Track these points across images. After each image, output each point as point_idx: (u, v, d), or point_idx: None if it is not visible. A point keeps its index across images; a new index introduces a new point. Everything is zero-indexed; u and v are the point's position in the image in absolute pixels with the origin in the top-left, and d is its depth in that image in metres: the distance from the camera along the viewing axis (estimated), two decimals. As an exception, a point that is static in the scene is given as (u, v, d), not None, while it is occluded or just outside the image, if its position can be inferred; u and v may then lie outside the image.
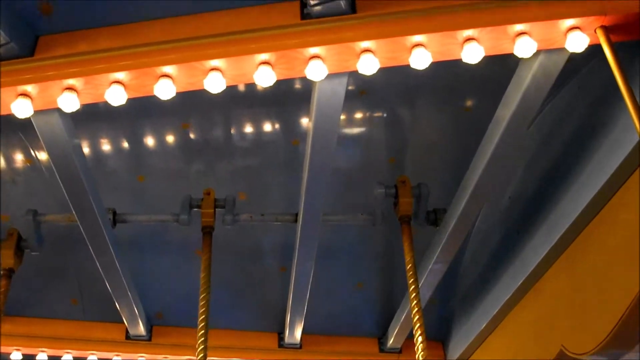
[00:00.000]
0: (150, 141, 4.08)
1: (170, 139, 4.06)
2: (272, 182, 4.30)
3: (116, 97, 2.71)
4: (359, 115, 3.94)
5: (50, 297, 4.81)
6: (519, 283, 4.03)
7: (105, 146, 4.13)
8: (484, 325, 4.51)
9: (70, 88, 2.72)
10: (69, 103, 2.72)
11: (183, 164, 4.20)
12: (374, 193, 3.97)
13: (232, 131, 4.07)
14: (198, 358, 3.68)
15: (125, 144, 4.14)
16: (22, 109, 2.73)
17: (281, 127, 4.03)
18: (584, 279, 3.52)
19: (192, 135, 4.06)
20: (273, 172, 4.25)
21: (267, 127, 4.03)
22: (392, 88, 3.74)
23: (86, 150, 4.10)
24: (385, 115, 3.92)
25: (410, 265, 3.90)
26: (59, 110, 2.88)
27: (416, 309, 3.80)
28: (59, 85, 2.72)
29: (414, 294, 3.79)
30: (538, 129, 3.86)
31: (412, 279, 3.85)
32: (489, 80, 3.42)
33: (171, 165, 4.21)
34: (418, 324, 3.74)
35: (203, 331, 3.69)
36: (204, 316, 3.67)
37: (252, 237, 4.68)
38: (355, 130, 4.03)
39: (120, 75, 2.71)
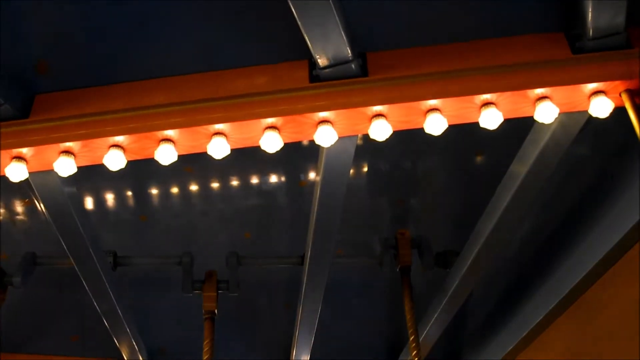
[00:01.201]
0: (152, 183, 3.95)
1: (172, 180, 3.92)
2: (277, 221, 4.17)
3: (115, 161, 2.59)
4: (368, 159, 3.80)
5: (50, 334, 4.70)
6: (528, 329, 3.94)
7: (107, 187, 4.00)
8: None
9: (66, 151, 2.60)
10: (65, 167, 2.60)
11: (186, 205, 4.07)
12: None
13: (236, 174, 3.93)
14: None
15: (127, 184, 4.01)
16: (16, 172, 2.60)
17: (287, 168, 3.89)
18: (598, 333, 3.41)
19: (195, 178, 3.92)
20: (279, 212, 4.12)
21: (273, 168, 3.89)
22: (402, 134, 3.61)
23: (87, 190, 3.98)
24: (394, 160, 3.79)
25: (410, 316, 3.87)
26: (55, 169, 2.76)
27: (414, 344, 3.81)
28: (55, 149, 2.59)
29: (414, 344, 3.76)
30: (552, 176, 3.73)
31: (411, 329, 3.83)
32: (503, 130, 3.28)
33: (173, 205, 4.08)
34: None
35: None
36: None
37: (256, 274, 4.55)
38: (364, 172, 3.89)
39: (120, 139, 2.58)
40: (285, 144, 3.76)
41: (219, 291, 3.90)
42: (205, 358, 3.72)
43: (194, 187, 3.94)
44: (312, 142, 2.95)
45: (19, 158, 2.61)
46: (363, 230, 4.17)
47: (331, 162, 2.84)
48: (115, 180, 4.00)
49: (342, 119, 2.52)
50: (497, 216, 3.22)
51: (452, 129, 3.51)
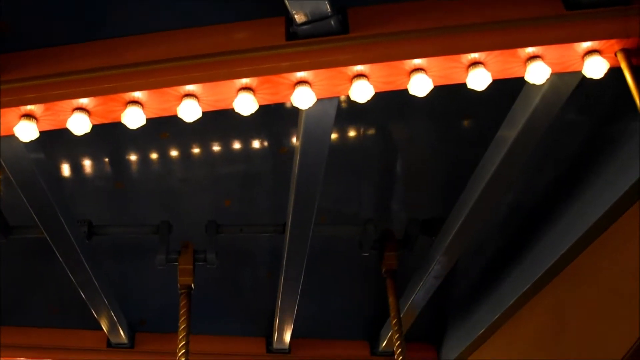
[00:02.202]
0: (128, 149, 3.79)
1: (149, 147, 3.76)
2: (258, 189, 4.03)
3: (79, 125, 2.43)
4: (352, 123, 3.66)
5: (28, 306, 4.58)
6: (515, 297, 3.87)
7: (81, 154, 3.84)
8: (478, 334, 4.36)
9: (28, 115, 2.43)
10: (26, 132, 2.43)
11: (163, 171, 3.92)
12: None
13: (215, 137, 3.77)
14: None
15: (102, 151, 3.85)
16: (-26, 137, 2.45)
17: (267, 133, 3.74)
18: (589, 301, 3.34)
19: (171, 143, 3.76)
20: (259, 180, 3.98)
21: (253, 134, 3.74)
22: (387, 98, 3.45)
23: (60, 158, 3.82)
24: (380, 124, 3.64)
25: (395, 320, 3.88)
26: (18, 133, 2.60)
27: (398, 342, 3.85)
28: (15, 113, 2.42)
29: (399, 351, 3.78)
30: (542, 141, 3.61)
31: (397, 334, 3.82)
32: (492, 92, 3.14)
33: (150, 172, 3.93)
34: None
35: (184, 341, 3.53)
36: (184, 350, 3.49)
37: (237, 240, 4.44)
38: (349, 136, 3.75)
39: (84, 101, 2.41)
40: (266, 109, 3.66)
41: (197, 263, 3.71)
42: (181, 335, 3.57)
43: (172, 154, 3.79)
44: (294, 109, 2.83)
45: (-23, 122, 2.44)
46: (346, 198, 4.05)
47: (311, 126, 2.70)
48: (90, 147, 3.85)
49: (321, 79, 2.37)
50: (484, 182, 3.10)
51: (438, 93, 3.41)
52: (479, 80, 2.34)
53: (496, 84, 2.86)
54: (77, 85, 2.40)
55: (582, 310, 3.39)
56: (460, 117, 3.54)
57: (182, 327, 3.56)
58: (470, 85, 2.39)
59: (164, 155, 3.81)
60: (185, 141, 3.71)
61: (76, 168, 3.90)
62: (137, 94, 2.40)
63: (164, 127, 3.62)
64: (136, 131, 3.65)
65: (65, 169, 3.84)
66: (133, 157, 3.89)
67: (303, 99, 2.37)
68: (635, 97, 2.35)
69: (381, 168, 3.95)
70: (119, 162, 3.92)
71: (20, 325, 4.61)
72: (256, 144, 3.81)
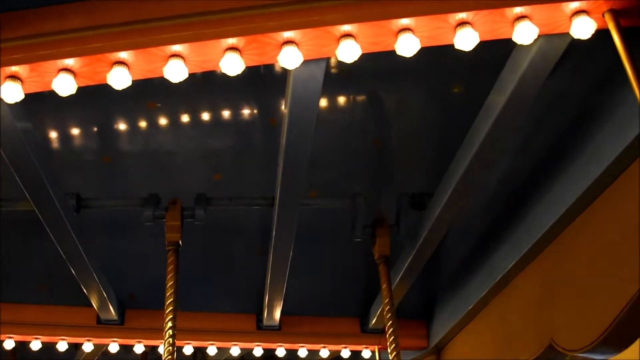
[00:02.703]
0: (115, 120, 3.76)
1: (136, 118, 3.73)
2: (247, 162, 4.02)
3: (64, 86, 2.41)
4: (341, 93, 3.64)
5: (17, 283, 4.56)
6: (507, 268, 3.87)
7: (67, 126, 3.81)
8: (468, 308, 4.39)
9: (12, 76, 2.41)
10: (11, 93, 2.41)
11: (151, 144, 3.90)
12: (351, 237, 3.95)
13: (203, 107, 3.75)
14: (166, 341, 3.48)
15: (89, 124, 3.82)
16: (-42, 99, 2.42)
17: (257, 104, 3.72)
18: (577, 270, 3.35)
19: (159, 114, 3.73)
20: (248, 152, 3.96)
21: (242, 104, 3.72)
22: (377, 68, 3.44)
23: (47, 131, 3.78)
24: (369, 95, 3.63)
25: (388, 307, 3.88)
26: (3, 98, 2.58)
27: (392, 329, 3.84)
28: (1, 74, 2.40)
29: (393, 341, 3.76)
30: (531, 108, 3.60)
31: (390, 320, 3.84)
32: (481, 61, 3.13)
33: (138, 145, 3.90)
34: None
35: (171, 316, 3.50)
36: (171, 308, 3.49)
37: (227, 217, 4.43)
38: (338, 109, 3.73)
39: (70, 62, 2.39)
40: (256, 81, 3.65)
41: (185, 220, 3.66)
42: (168, 297, 3.56)
43: (160, 124, 3.75)
44: (283, 78, 2.80)
45: (-38, 83, 2.41)
46: (337, 171, 4.03)
47: (299, 91, 2.69)
48: (77, 119, 3.82)
49: (308, 39, 2.35)
50: (473, 150, 3.09)
51: (429, 62, 3.40)
52: (466, 40, 2.33)
53: (488, 55, 2.87)
54: (62, 46, 2.37)
55: (571, 278, 3.40)
56: (452, 87, 3.52)
57: (170, 284, 3.55)
58: (457, 46, 2.38)
59: (152, 127, 3.78)
60: (175, 112, 3.68)
61: (63, 141, 3.87)
62: (123, 55, 2.38)
63: (152, 98, 3.60)
64: (124, 104, 3.70)
65: (53, 142, 3.81)
66: (121, 130, 3.86)
67: (290, 59, 2.35)
68: (622, 58, 2.35)
69: (371, 143, 3.94)
70: (107, 136, 3.90)
71: (8, 301, 4.59)
72: (246, 115, 3.78)
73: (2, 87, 2.41)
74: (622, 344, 3.11)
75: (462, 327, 4.65)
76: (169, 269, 3.60)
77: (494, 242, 4.09)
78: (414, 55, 2.43)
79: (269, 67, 3.53)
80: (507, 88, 2.77)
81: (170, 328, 3.52)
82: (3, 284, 4.56)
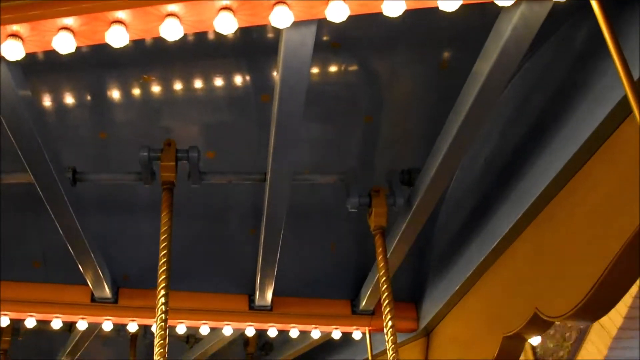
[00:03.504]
0: (110, 95, 3.85)
1: (131, 92, 3.83)
2: (240, 139, 4.11)
3: (64, 44, 2.49)
4: (332, 69, 3.75)
5: (11, 260, 4.61)
6: (494, 244, 3.96)
7: (63, 101, 3.90)
8: (457, 287, 4.46)
9: (14, 35, 2.50)
10: (13, 51, 2.50)
11: (146, 120, 3.99)
12: (345, 204, 3.95)
13: (198, 84, 3.85)
14: (158, 319, 3.49)
15: (85, 99, 3.91)
16: (-39, 56, 2.51)
17: (250, 80, 3.82)
18: (561, 240, 3.44)
19: (154, 89, 3.83)
20: (242, 129, 4.05)
21: (236, 80, 3.82)
22: (367, 41, 3.55)
23: (45, 105, 3.87)
24: (360, 70, 3.74)
25: (384, 278, 3.89)
26: (4, 59, 2.66)
27: (387, 300, 3.85)
28: (2, 32, 2.49)
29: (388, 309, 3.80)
30: (517, 88, 3.72)
31: (386, 292, 3.86)
32: (468, 34, 3.25)
33: (133, 121, 4.00)
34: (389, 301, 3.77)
35: (163, 292, 3.49)
36: (164, 276, 3.46)
37: (221, 197, 4.52)
38: (330, 85, 3.84)
39: (69, 21, 2.48)
40: (250, 56, 3.75)
41: (179, 162, 3.69)
42: (163, 234, 3.59)
43: (155, 99, 3.84)
44: (274, 53, 2.88)
45: (-37, 42, 2.50)
46: (329, 148, 4.13)
47: (290, 56, 2.79)
48: (72, 94, 3.91)
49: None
50: (460, 119, 3.19)
51: (419, 38, 3.51)
52: (450, 1, 2.43)
53: (476, 32, 2.98)
54: (62, 5, 2.46)
55: (553, 250, 3.48)
56: (439, 64, 3.62)
57: (165, 228, 3.58)
58: (442, 7, 2.49)
59: (146, 101, 3.87)
60: (169, 83, 3.77)
61: (59, 115, 3.95)
62: (121, 14, 2.47)
63: (145, 70, 3.70)
64: (120, 78, 3.79)
65: (50, 115, 3.89)
66: (117, 106, 3.95)
67: (281, 18, 2.45)
68: (601, 24, 2.45)
69: (363, 120, 4.04)
70: (103, 112, 3.98)
71: (4, 279, 4.63)
72: (239, 92, 3.88)
73: (4, 44, 2.49)
74: (599, 311, 3.21)
75: (451, 307, 4.73)
76: (163, 207, 3.63)
77: (480, 222, 4.18)
78: (402, 21, 2.54)
79: (261, 44, 3.64)
80: (491, 55, 2.87)
81: (163, 304, 3.53)
82: (-3, 261, 4.63)
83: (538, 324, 3.58)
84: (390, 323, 3.78)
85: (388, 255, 4.29)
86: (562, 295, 3.33)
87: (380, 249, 4.02)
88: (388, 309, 3.86)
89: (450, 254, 4.60)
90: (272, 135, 3.31)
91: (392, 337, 3.69)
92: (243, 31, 2.65)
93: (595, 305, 3.16)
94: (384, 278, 3.95)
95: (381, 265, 4.01)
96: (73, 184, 3.83)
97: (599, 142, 3.11)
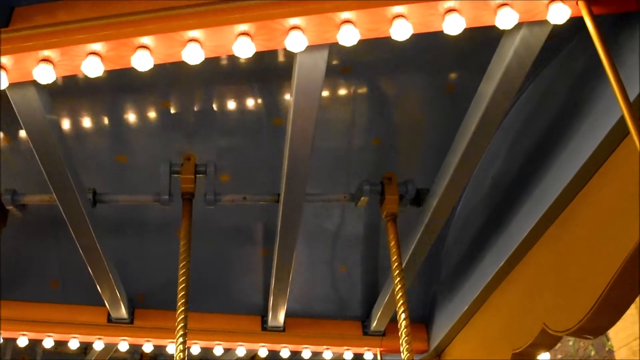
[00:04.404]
0: (130, 120, 4.02)
1: (150, 118, 4.00)
2: (254, 161, 4.25)
3: (93, 68, 2.66)
4: (342, 93, 3.91)
5: (30, 280, 4.74)
6: (502, 263, 4.03)
7: (85, 125, 4.07)
8: (467, 307, 4.53)
9: (45, 59, 2.67)
10: (45, 75, 2.67)
11: (164, 144, 4.15)
12: (358, 187, 3.98)
13: (214, 109, 4.01)
14: (177, 340, 3.59)
15: (105, 123, 4.08)
16: (-4, 80, 2.68)
17: (264, 105, 3.98)
18: (565, 258, 3.53)
19: (172, 115, 4.00)
20: (255, 152, 4.20)
21: (250, 105, 3.98)
22: (376, 66, 3.71)
23: (65, 129, 4.04)
24: (369, 93, 3.89)
25: (396, 264, 3.92)
26: (35, 83, 2.84)
27: (400, 293, 3.84)
28: (34, 57, 2.65)
29: (400, 289, 3.81)
30: (521, 108, 3.85)
31: (398, 278, 3.87)
32: (473, 59, 3.40)
33: (152, 145, 4.15)
34: (402, 309, 3.78)
35: (183, 308, 3.60)
36: (184, 292, 3.59)
37: (233, 218, 4.64)
38: (340, 108, 3.99)
39: (97, 46, 2.65)
40: (264, 84, 3.92)
41: (197, 175, 3.87)
42: (182, 248, 3.71)
43: (172, 116, 3.99)
44: (286, 80, 3.02)
45: (-1, 66, 2.67)
46: (340, 169, 4.25)
47: (303, 78, 2.94)
48: (91, 119, 4.07)
49: (312, 25, 2.62)
50: (467, 139, 3.31)
51: (425, 61, 3.66)
52: (454, 25, 2.59)
53: (481, 56, 3.13)
54: (91, 31, 2.64)
55: (572, 252, 3.54)
56: (447, 82, 3.75)
57: (184, 241, 3.69)
58: (446, 31, 2.64)
59: (164, 125, 4.03)
60: (186, 108, 3.93)
61: (80, 139, 4.11)
62: (146, 40, 2.64)
63: (164, 97, 3.86)
64: (139, 104, 3.96)
65: (72, 138, 4.05)
66: (135, 130, 4.11)
67: (296, 43, 2.61)
68: (595, 43, 2.60)
69: (372, 142, 4.18)
70: (122, 136, 4.14)
71: (21, 299, 4.75)
72: (253, 116, 4.04)
73: (36, 68, 2.66)
74: (606, 323, 3.29)
75: (461, 327, 4.78)
76: (184, 217, 3.79)
77: (488, 241, 4.27)
78: (409, 46, 2.69)
79: (274, 71, 3.81)
80: (495, 77, 3.02)
81: (181, 327, 3.63)
82: (16, 281, 4.74)
83: (546, 339, 3.65)
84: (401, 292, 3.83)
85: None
86: (568, 309, 3.41)
87: (392, 234, 4.02)
88: (402, 301, 3.86)
89: (459, 273, 4.68)
90: (285, 155, 3.45)
91: (407, 347, 3.70)
92: (256, 58, 2.81)
93: (601, 319, 3.24)
94: (397, 264, 3.94)
95: (394, 251, 3.99)
96: (93, 205, 3.97)
97: (599, 161, 3.22)
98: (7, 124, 3.98)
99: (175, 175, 3.85)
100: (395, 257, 3.96)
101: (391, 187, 4.01)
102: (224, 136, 4.15)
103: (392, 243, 4.01)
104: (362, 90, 3.85)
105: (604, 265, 3.13)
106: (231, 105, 3.97)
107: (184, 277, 3.63)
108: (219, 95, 3.94)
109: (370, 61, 3.61)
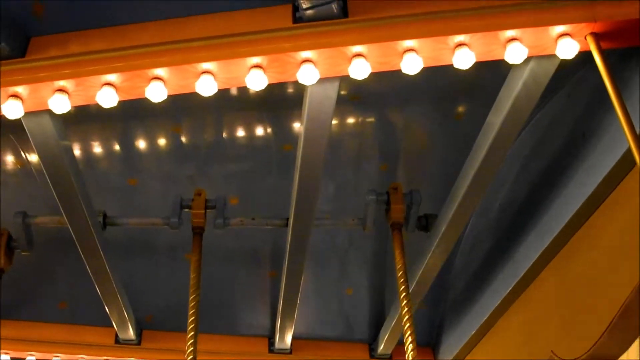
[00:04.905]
0: (141, 144, 4.07)
1: (161, 142, 4.05)
2: (263, 186, 4.29)
3: (107, 99, 2.71)
4: (351, 120, 3.95)
5: (38, 301, 4.77)
6: (510, 288, 4.04)
7: (96, 149, 4.12)
8: (474, 331, 4.53)
9: (61, 89, 2.71)
10: (60, 104, 2.71)
11: (174, 168, 4.19)
12: (365, 199, 3.98)
13: (224, 135, 4.06)
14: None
15: (116, 147, 4.13)
16: (12, 110, 2.72)
17: (273, 131, 4.03)
18: (573, 285, 3.54)
19: (183, 139, 4.05)
20: (264, 177, 4.24)
21: (259, 131, 4.03)
22: (385, 94, 3.75)
23: (77, 152, 4.08)
24: (377, 121, 3.93)
25: (401, 272, 3.91)
26: (49, 111, 2.87)
27: (407, 316, 3.81)
28: (50, 87, 2.71)
29: (405, 301, 3.80)
30: (529, 137, 3.88)
31: (402, 286, 3.85)
32: (481, 87, 3.44)
33: (162, 168, 4.19)
34: (409, 332, 3.76)
35: (193, 333, 3.65)
36: (193, 317, 3.63)
37: (242, 241, 4.67)
38: (348, 135, 4.03)
39: (112, 77, 2.70)
40: (273, 109, 3.96)
41: (207, 210, 3.98)
42: (193, 278, 3.78)
43: (182, 142, 4.04)
44: (299, 106, 3.07)
45: (15, 96, 2.72)
46: (347, 195, 4.28)
47: (314, 109, 2.98)
48: (102, 144, 4.12)
49: (324, 58, 2.66)
50: (475, 168, 3.34)
51: (434, 91, 3.70)
52: (464, 60, 2.62)
53: (489, 84, 3.17)
54: (106, 63, 2.69)
55: (580, 279, 3.55)
56: (455, 111, 3.78)
57: (194, 274, 3.78)
58: (456, 65, 2.67)
59: (174, 150, 4.07)
60: (196, 134, 3.98)
61: (92, 163, 4.15)
62: (160, 71, 2.69)
63: (174, 121, 3.91)
64: (150, 129, 4.01)
65: (83, 162, 4.09)
66: (146, 155, 4.16)
67: (308, 76, 2.65)
68: (604, 77, 2.63)
69: (379, 168, 4.21)
70: (133, 160, 4.19)
71: (29, 319, 4.79)
72: (262, 142, 4.08)
73: (51, 98, 2.70)
74: (616, 351, 3.28)
75: (468, 352, 4.77)
76: (194, 251, 3.88)
77: (495, 267, 4.28)
78: (418, 75, 2.72)
79: (283, 99, 3.85)
80: (503, 108, 3.05)
81: (191, 351, 3.68)
82: (25, 302, 4.78)
83: (554, 365, 3.65)
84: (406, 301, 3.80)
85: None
86: (576, 337, 3.41)
87: (398, 244, 4.01)
88: (406, 308, 3.82)
89: (466, 299, 4.69)
90: (295, 182, 3.48)
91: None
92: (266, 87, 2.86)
93: (610, 346, 3.23)
94: (401, 272, 3.91)
95: (399, 259, 3.96)
96: (103, 228, 4.01)
97: (607, 190, 3.23)
98: (19, 148, 4.04)
99: (186, 210, 3.95)
100: (400, 265, 3.92)
101: (397, 196, 4.02)
102: (233, 161, 4.19)
103: (398, 251, 3.98)
104: (371, 117, 3.89)
105: (612, 294, 3.13)
106: (241, 130, 4.02)
107: (194, 303, 3.66)
108: (228, 120, 3.98)
109: (380, 90, 3.65)
